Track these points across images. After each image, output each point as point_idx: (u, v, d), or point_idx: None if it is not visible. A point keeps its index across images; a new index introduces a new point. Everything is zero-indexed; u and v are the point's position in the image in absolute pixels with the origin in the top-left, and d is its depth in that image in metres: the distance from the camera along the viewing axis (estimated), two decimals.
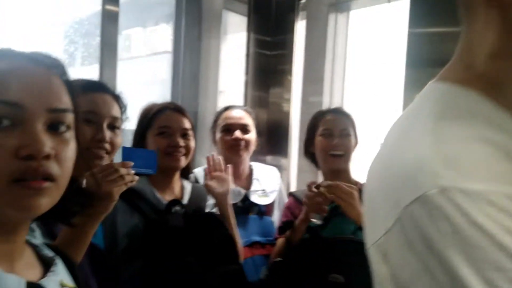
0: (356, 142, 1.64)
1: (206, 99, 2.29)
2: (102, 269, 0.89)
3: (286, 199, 1.85)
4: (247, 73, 2.37)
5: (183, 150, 1.39)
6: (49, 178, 0.53)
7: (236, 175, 1.70)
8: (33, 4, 1.74)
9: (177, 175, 1.45)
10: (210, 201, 1.51)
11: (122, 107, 1.21)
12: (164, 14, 2.38)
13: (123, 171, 0.99)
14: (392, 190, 0.48)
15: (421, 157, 0.45)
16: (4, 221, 0.54)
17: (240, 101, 2.35)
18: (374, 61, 2.17)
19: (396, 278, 0.46)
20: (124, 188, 1.00)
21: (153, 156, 1.22)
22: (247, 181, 1.78)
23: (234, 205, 1.64)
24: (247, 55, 2.36)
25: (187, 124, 1.43)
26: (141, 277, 1.24)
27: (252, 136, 1.76)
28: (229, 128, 1.73)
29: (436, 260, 0.41)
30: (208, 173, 1.50)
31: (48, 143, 0.53)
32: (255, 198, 1.72)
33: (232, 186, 1.63)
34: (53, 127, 0.56)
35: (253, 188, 1.74)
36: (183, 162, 1.41)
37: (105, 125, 1.11)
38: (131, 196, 1.29)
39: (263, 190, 1.76)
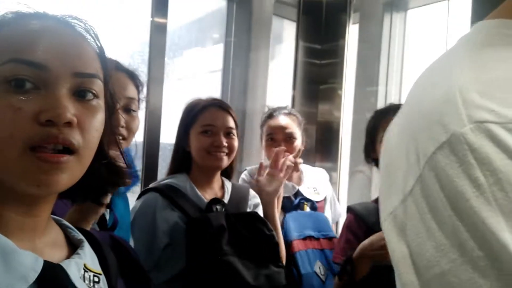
0: None
1: (253, 115, 2.26)
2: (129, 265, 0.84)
3: (337, 203, 1.89)
4: (294, 87, 2.29)
5: (226, 150, 1.36)
6: (70, 148, 0.49)
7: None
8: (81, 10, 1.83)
9: (218, 174, 1.44)
10: (251, 201, 1.48)
11: (139, 86, 1.13)
12: (222, 33, 2.40)
13: None
14: (414, 140, 0.37)
15: (453, 87, 0.34)
16: (23, 193, 0.50)
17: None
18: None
19: (415, 259, 0.35)
20: None
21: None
22: (298, 178, 1.80)
23: (288, 199, 1.69)
24: (295, 66, 2.28)
25: (231, 122, 1.39)
26: (183, 276, 1.22)
27: (297, 143, 1.75)
28: (273, 138, 1.73)
29: (469, 226, 0.30)
30: (259, 171, 1.52)
31: (71, 109, 0.49)
32: (307, 194, 1.74)
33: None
34: (79, 94, 0.52)
35: (304, 184, 1.77)
36: (226, 162, 1.38)
37: (118, 107, 1.02)
38: (171, 193, 1.29)
39: (314, 188, 1.79)
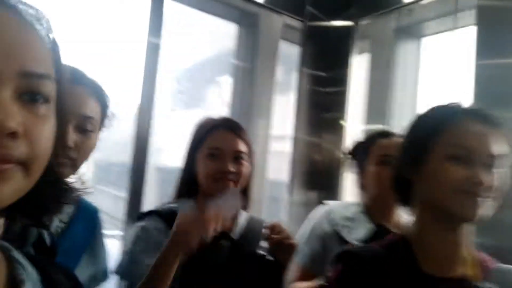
0: None
1: (256, 143, 2.23)
2: None
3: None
4: (297, 116, 2.23)
5: (233, 176, 1.25)
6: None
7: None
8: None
9: None
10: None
11: (104, 102, 1.07)
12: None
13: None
14: None
15: None
16: None
17: (288, 145, 2.24)
18: (443, 94, 1.87)
19: None
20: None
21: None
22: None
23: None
24: (299, 94, 2.22)
25: (241, 146, 1.28)
26: None
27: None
28: (388, 160, 1.33)
29: None
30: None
31: (16, 116, 0.42)
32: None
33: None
34: (27, 97, 0.44)
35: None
36: None
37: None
38: (173, 220, 1.18)
39: None
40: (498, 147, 0.85)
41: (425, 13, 1.96)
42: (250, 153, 1.31)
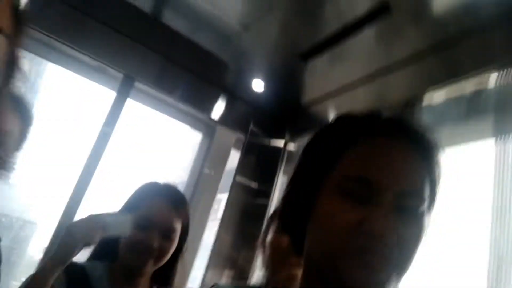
0: None
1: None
2: None
3: None
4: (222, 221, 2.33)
5: (157, 253, 1.14)
6: None
7: None
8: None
9: (144, 279, 1.19)
10: None
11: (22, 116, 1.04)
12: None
13: None
14: None
15: None
16: None
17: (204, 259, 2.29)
18: None
19: None
20: None
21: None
22: None
23: None
24: (229, 200, 2.33)
25: (175, 222, 1.18)
26: None
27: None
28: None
29: None
30: None
31: None
32: None
33: None
34: None
35: None
36: (150, 266, 1.15)
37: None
38: (79, 281, 1.10)
39: None
40: (419, 179, 0.55)
41: None
42: (185, 229, 1.22)
